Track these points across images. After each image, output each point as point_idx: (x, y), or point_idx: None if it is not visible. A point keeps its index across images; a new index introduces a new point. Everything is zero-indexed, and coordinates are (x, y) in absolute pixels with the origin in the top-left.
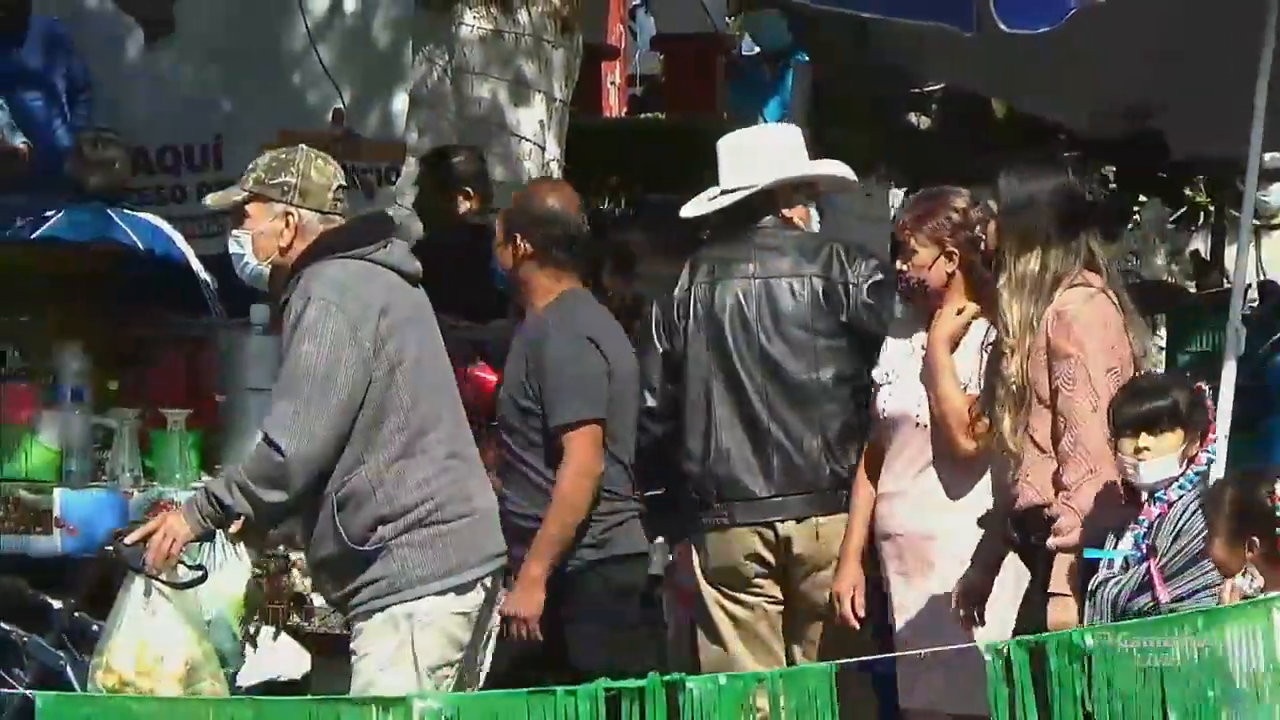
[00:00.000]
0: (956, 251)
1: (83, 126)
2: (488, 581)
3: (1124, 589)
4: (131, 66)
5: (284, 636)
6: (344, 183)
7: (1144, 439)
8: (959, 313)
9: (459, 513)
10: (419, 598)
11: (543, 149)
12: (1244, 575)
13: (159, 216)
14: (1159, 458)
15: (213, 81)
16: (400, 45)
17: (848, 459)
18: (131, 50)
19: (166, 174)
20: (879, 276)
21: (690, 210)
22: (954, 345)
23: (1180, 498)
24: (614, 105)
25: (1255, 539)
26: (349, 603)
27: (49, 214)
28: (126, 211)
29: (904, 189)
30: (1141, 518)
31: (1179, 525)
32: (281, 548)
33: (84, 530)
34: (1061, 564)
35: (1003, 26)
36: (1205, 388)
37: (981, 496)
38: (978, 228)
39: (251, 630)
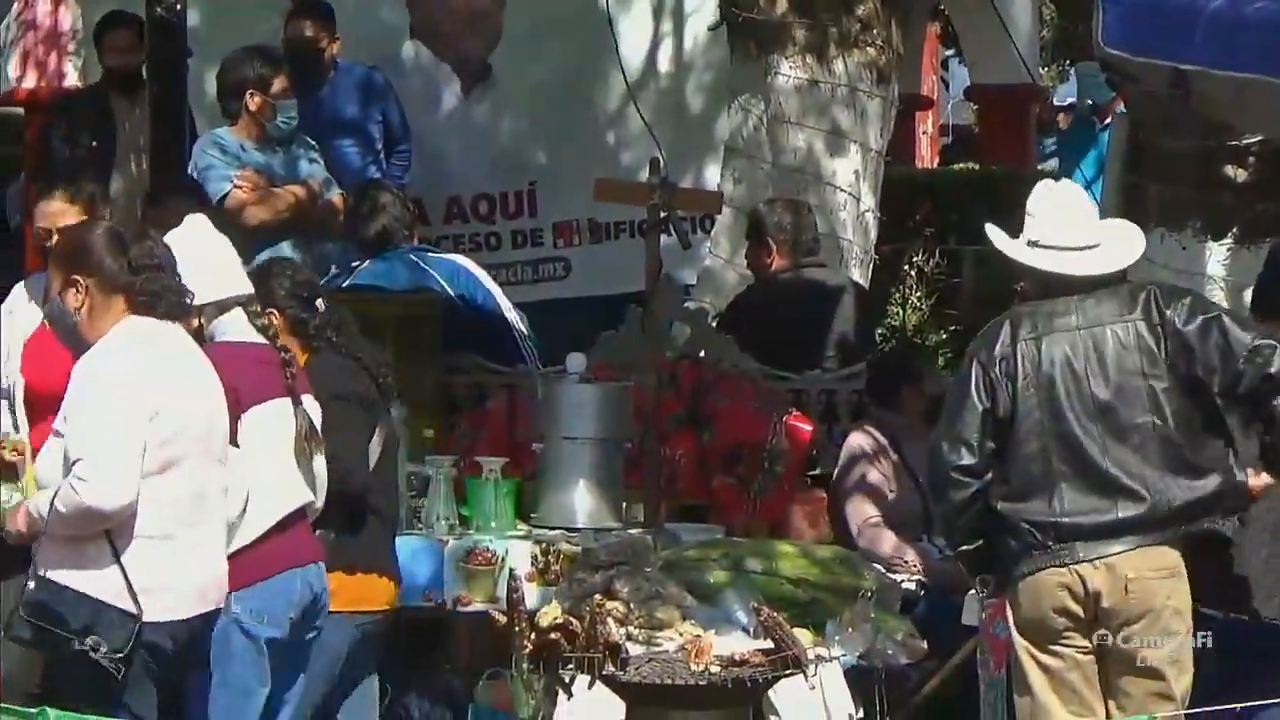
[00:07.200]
0: None
1: (398, 176)
2: None
3: None
4: (447, 115)
5: (599, 685)
6: None
7: None
8: None
9: None
10: None
11: (858, 199)
12: None
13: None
14: None
15: (528, 130)
16: (717, 94)
17: (1187, 493)
18: (448, 99)
19: (480, 221)
20: (1201, 316)
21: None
22: None
23: None
24: (925, 155)
25: None
26: None
27: (356, 263)
28: (430, 255)
29: (1220, 243)
30: None
31: None
32: (597, 596)
33: (400, 577)
34: None
35: None
36: None
37: None
38: None
39: (566, 678)
